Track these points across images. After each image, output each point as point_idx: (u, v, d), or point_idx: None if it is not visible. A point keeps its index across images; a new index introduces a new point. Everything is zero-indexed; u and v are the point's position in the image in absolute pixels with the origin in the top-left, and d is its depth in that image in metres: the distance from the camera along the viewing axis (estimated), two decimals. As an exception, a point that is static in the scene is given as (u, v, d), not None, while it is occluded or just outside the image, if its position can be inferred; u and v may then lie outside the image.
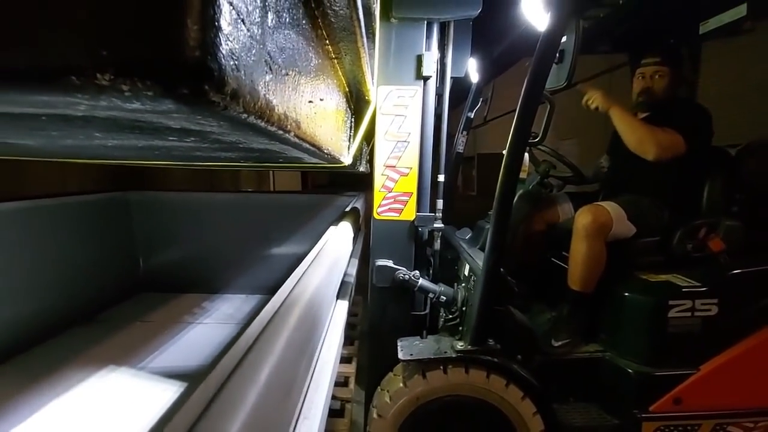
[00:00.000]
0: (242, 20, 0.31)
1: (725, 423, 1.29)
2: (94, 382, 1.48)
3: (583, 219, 1.35)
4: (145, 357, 1.75)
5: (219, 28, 0.27)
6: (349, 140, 1.23)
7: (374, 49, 1.26)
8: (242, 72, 0.31)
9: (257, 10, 0.34)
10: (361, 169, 1.68)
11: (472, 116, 2.03)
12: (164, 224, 2.59)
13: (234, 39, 0.29)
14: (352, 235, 1.46)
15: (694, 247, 1.38)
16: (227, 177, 5.07)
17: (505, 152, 1.15)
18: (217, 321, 2.14)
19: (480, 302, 1.22)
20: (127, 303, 2.40)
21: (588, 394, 1.39)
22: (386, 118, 1.35)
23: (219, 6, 0.27)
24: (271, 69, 0.39)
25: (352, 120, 1.25)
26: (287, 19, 0.45)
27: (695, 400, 1.27)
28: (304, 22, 0.53)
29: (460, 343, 1.26)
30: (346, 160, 1.23)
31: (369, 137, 1.50)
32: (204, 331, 2.00)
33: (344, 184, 3.16)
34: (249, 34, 0.32)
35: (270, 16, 0.38)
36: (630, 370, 1.30)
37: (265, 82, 0.38)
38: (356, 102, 1.24)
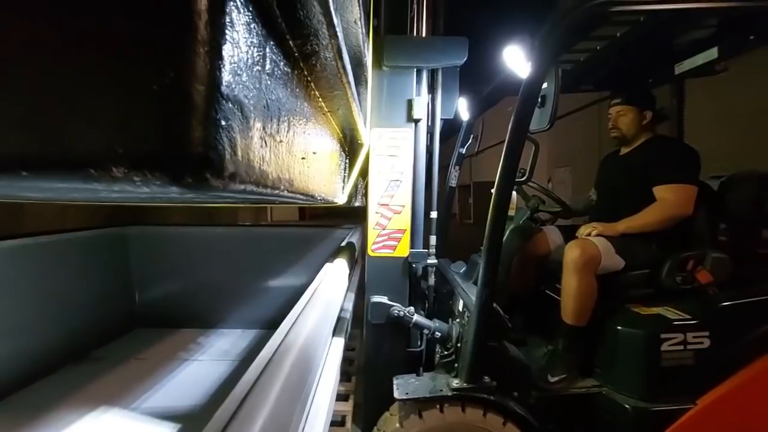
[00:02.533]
0: (240, 111, 0.36)
1: (726, 459, 1.27)
2: (88, 423, 1.46)
3: (572, 253, 1.39)
4: (139, 396, 1.72)
5: (219, 125, 0.31)
6: (344, 181, 1.28)
7: (366, 94, 1.34)
8: (239, 155, 0.35)
9: (254, 98, 0.39)
10: (357, 204, 1.73)
11: (463, 151, 2.10)
12: (161, 259, 2.60)
13: (233, 130, 0.34)
14: (348, 271, 1.49)
15: (683, 280, 1.41)
16: (225, 210, 5.13)
17: (493, 191, 1.20)
18: (213, 358, 2.11)
19: (473, 338, 1.23)
20: (122, 339, 2.38)
21: (587, 431, 1.37)
22: (379, 159, 1.40)
23: (220, 106, 0.32)
24: (266, 143, 0.44)
25: (347, 162, 1.31)
26: (282, 95, 0.50)
27: (695, 436, 1.26)
28: (297, 90, 0.59)
29: (456, 381, 1.26)
30: (341, 199, 1.28)
31: (364, 174, 1.56)
32: (199, 369, 1.98)
33: (341, 215, 3.20)
34: (246, 120, 0.37)
35: (266, 98, 0.43)
36: (627, 406, 1.29)
37: (261, 157, 0.42)
38: (350, 145, 1.30)
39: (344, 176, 1.28)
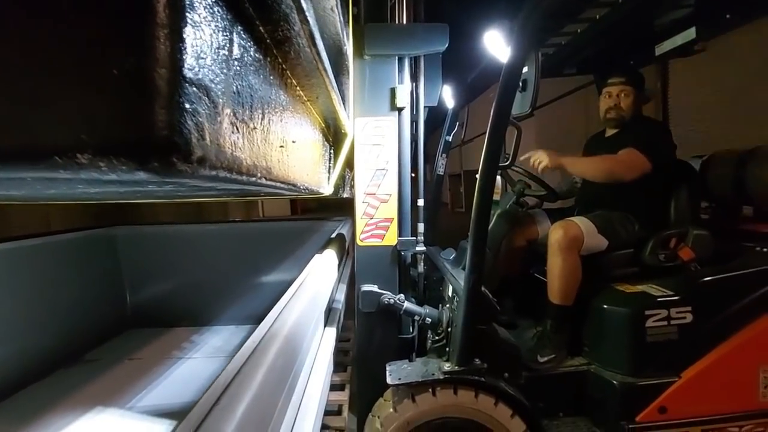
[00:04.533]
0: (207, 95, 0.35)
1: (711, 429, 1.31)
2: (84, 424, 1.46)
3: (555, 234, 1.41)
4: (133, 396, 1.72)
5: (184, 109, 0.31)
6: (329, 171, 1.28)
7: (349, 83, 1.33)
8: (207, 140, 0.36)
9: (222, 83, 0.39)
10: (345, 195, 1.73)
11: (450, 139, 2.10)
12: (151, 258, 2.58)
13: (198, 114, 0.34)
14: (337, 262, 1.49)
15: (665, 258, 1.44)
16: (216, 207, 5.08)
17: (478, 176, 1.21)
18: (206, 355, 2.12)
19: (463, 322, 1.25)
20: (114, 341, 2.36)
21: (577, 408, 1.41)
22: (364, 148, 1.40)
23: (184, 90, 0.32)
24: (237, 129, 0.44)
25: (331, 152, 1.30)
26: (254, 81, 0.50)
27: (680, 408, 1.30)
28: (272, 78, 0.58)
29: (447, 365, 1.28)
30: (327, 190, 1.28)
31: (351, 164, 1.55)
32: (193, 366, 1.98)
33: (333, 208, 3.20)
34: (214, 105, 0.37)
35: (235, 83, 0.43)
36: (614, 382, 1.32)
37: (232, 142, 0.42)
38: (334, 135, 1.30)
39: (329, 166, 1.28)
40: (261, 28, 0.51)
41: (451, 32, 1.38)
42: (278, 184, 0.66)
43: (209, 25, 0.36)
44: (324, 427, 1.73)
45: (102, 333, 2.32)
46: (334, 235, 2.03)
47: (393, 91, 1.38)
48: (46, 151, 0.30)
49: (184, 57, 0.31)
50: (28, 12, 0.29)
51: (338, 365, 2.25)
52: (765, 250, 1.39)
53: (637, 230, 1.49)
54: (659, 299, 1.31)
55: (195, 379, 1.81)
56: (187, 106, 0.32)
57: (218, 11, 0.38)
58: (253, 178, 0.52)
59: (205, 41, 0.35)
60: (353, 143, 1.36)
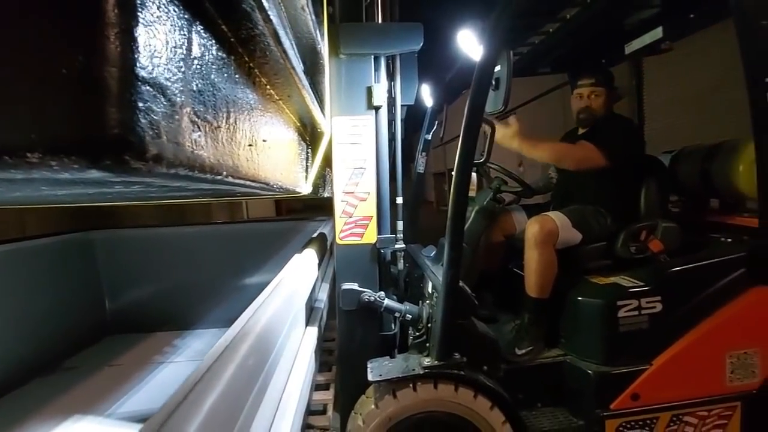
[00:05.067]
0: (162, 94, 0.36)
1: (681, 414, 1.36)
2: None
3: (531, 229, 1.44)
4: (113, 403, 1.70)
5: (137, 108, 0.32)
6: (306, 170, 1.28)
7: (324, 83, 1.34)
8: (164, 137, 0.36)
9: (180, 81, 0.39)
10: (326, 195, 1.73)
11: (429, 138, 2.12)
12: (131, 262, 2.54)
13: (153, 112, 0.34)
14: (317, 261, 1.50)
15: (636, 250, 1.49)
16: (199, 209, 5.01)
17: (453, 173, 1.23)
18: (188, 359, 2.10)
19: (442, 317, 1.26)
20: (94, 347, 2.33)
21: (555, 398, 1.44)
22: (342, 147, 1.41)
23: (136, 88, 0.32)
24: (199, 127, 0.44)
25: (308, 151, 1.31)
26: (218, 80, 0.50)
27: (652, 394, 1.34)
28: (237, 76, 0.59)
29: (427, 360, 1.30)
30: (305, 189, 1.28)
31: (331, 164, 1.56)
32: (175, 371, 1.96)
33: (318, 208, 3.19)
34: (171, 103, 0.37)
35: (195, 82, 0.44)
36: (589, 371, 1.36)
37: (193, 140, 0.43)
38: (311, 134, 1.30)
39: (306, 165, 1.29)
40: (224, 26, 0.51)
41: (427, 32, 1.40)
42: (248, 183, 0.66)
43: (164, 24, 0.36)
44: (309, 426, 1.73)
45: (81, 340, 2.28)
46: (315, 235, 2.03)
47: (369, 90, 1.39)
48: (8, 150, 0.30)
49: (136, 56, 0.32)
50: None
51: (323, 365, 2.25)
52: (729, 240, 1.45)
53: (610, 224, 1.54)
54: (630, 290, 1.35)
55: (177, 384, 1.79)
56: (140, 104, 0.32)
57: (174, 10, 0.38)
58: (219, 177, 0.52)
59: (160, 40, 0.36)
60: (331, 142, 1.36)
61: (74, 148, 0.30)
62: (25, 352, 1.88)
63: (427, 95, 2.09)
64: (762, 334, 1.36)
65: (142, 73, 0.33)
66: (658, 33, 1.67)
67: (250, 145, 0.64)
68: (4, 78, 0.30)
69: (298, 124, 1.15)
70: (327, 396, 1.97)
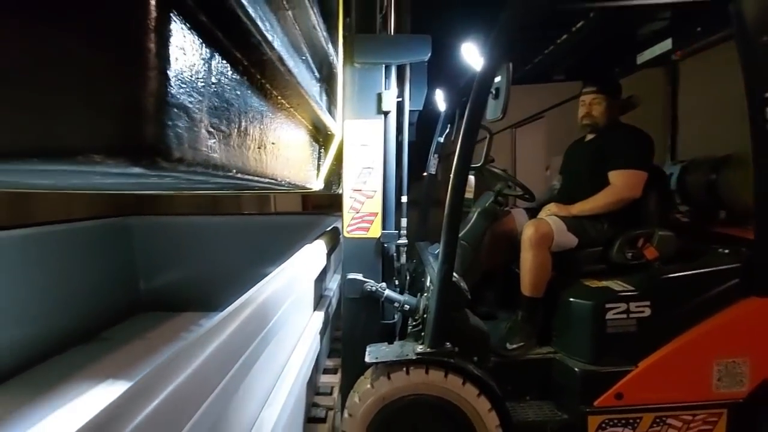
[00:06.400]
0: (185, 113, 0.49)
1: (665, 416, 1.41)
2: (93, 396, 1.63)
3: (527, 232, 1.52)
4: (141, 372, 1.88)
5: (166, 125, 0.45)
6: (317, 169, 1.42)
7: (336, 89, 1.46)
8: (186, 145, 0.49)
9: (199, 102, 0.53)
10: (340, 191, 1.87)
11: (442, 140, 2.22)
12: (165, 246, 2.77)
13: (178, 127, 0.47)
14: (326, 251, 1.63)
15: (632, 256, 1.53)
16: (229, 201, 5.29)
17: (451, 175, 1.33)
18: (211, 336, 2.28)
19: (436, 308, 1.37)
20: (128, 322, 2.55)
21: (542, 393, 1.52)
22: (352, 148, 1.53)
23: (167, 111, 0.45)
24: (212, 136, 0.58)
25: (320, 152, 1.44)
26: (230, 96, 0.63)
27: (635, 395, 1.40)
28: (249, 92, 0.72)
29: (421, 347, 1.41)
30: (316, 185, 1.41)
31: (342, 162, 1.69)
32: (198, 345, 2.15)
33: (341, 204, 3.32)
34: (191, 119, 0.51)
35: (212, 100, 0.57)
36: (576, 369, 1.43)
37: (208, 146, 0.56)
38: (324, 136, 1.43)
39: (318, 164, 1.42)
40: (238, 54, 0.65)
41: (441, 41, 1.50)
42: (257, 179, 0.80)
43: (190, 62, 0.49)
44: (315, 405, 1.88)
45: (117, 314, 2.52)
46: (329, 228, 2.17)
47: (379, 96, 1.51)
48: (73, 152, 0.44)
49: (168, 89, 0.45)
50: (61, 62, 0.43)
51: (333, 351, 2.40)
52: (726, 251, 1.48)
53: (606, 229, 1.59)
54: (620, 293, 1.41)
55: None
56: (169, 122, 0.46)
57: (198, 51, 0.51)
58: (230, 173, 0.66)
59: (186, 74, 0.49)
60: (341, 143, 1.49)
61: (123, 152, 0.44)
62: (66, 322, 2.11)
63: (440, 100, 2.18)
64: (752, 343, 1.39)
65: (172, 100, 0.46)
66: (667, 44, 1.70)
67: (259, 148, 0.78)
68: (80, 106, 0.44)
69: (311, 128, 1.28)
70: (334, 379, 2.11)
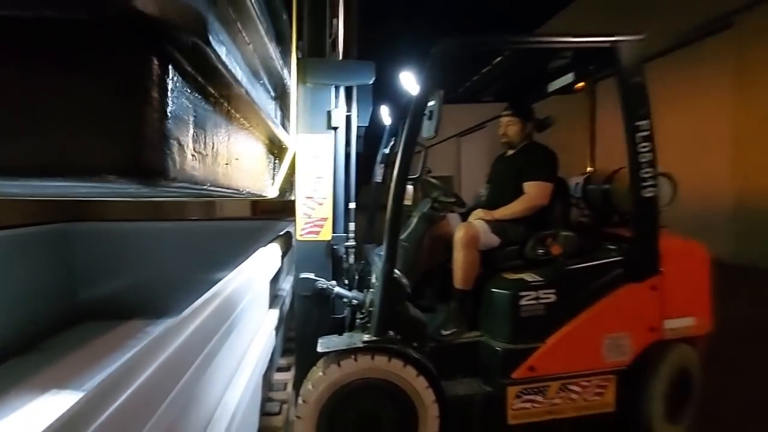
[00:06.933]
0: (178, 142, 0.64)
1: (567, 383, 1.71)
2: (32, 408, 1.61)
3: (458, 233, 1.78)
4: (85, 382, 1.86)
5: (164, 153, 0.60)
6: (273, 178, 1.57)
7: (290, 106, 1.62)
8: (177, 166, 0.64)
9: (187, 132, 0.68)
10: (292, 198, 2.01)
11: (387, 152, 2.44)
12: (106, 254, 2.67)
13: (172, 153, 0.62)
14: (280, 254, 1.77)
15: (542, 252, 1.84)
16: (171, 206, 5.13)
17: (392, 185, 1.54)
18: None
19: (380, 301, 1.57)
20: (68, 333, 2.46)
21: (471, 371, 1.77)
22: (305, 160, 1.70)
23: (166, 143, 0.60)
24: (195, 158, 0.72)
25: (275, 163, 1.59)
26: (207, 124, 0.78)
27: (544, 366, 1.69)
28: (219, 118, 0.87)
29: (367, 336, 1.60)
30: (271, 193, 1.56)
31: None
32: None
33: (291, 210, 3.40)
34: (181, 146, 0.66)
35: (196, 130, 0.72)
36: (498, 348, 1.70)
37: (192, 166, 0.71)
38: (279, 149, 1.58)
39: (273, 174, 1.57)
40: (214, 92, 0.80)
41: (387, 64, 1.72)
42: (224, 190, 0.95)
43: (182, 105, 0.65)
44: (270, 399, 1.99)
45: (55, 325, 2.42)
46: (282, 232, 2.29)
47: (329, 114, 1.69)
48: (93, 172, 0.57)
49: (167, 125, 0.60)
50: (88, 107, 0.56)
51: (286, 351, 2.50)
52: (613, 247, 1.83)
53: (522, 231, 1.90)
54: (531, 283, 1.70)
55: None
56: (167, 150, 0.61)
57: (188, 96, 0.67)
58: (205, 187, 0.81)
59: (179, 113, 0.64)
60: (294, 156, 1.65)
61: (131, 173, 0.58)
62: (2, 333, 2.02)
63: (386, 115, 2.41)
64: (631, 321, 1.74)
65: (168, 134, 0.61)
66: (569, 77, 2.05)
67: (226, 164, 0.93)
68: (102, 140, 0.57)
69: (267, 143, 1.43)
70: (287, 376, 2.24)
